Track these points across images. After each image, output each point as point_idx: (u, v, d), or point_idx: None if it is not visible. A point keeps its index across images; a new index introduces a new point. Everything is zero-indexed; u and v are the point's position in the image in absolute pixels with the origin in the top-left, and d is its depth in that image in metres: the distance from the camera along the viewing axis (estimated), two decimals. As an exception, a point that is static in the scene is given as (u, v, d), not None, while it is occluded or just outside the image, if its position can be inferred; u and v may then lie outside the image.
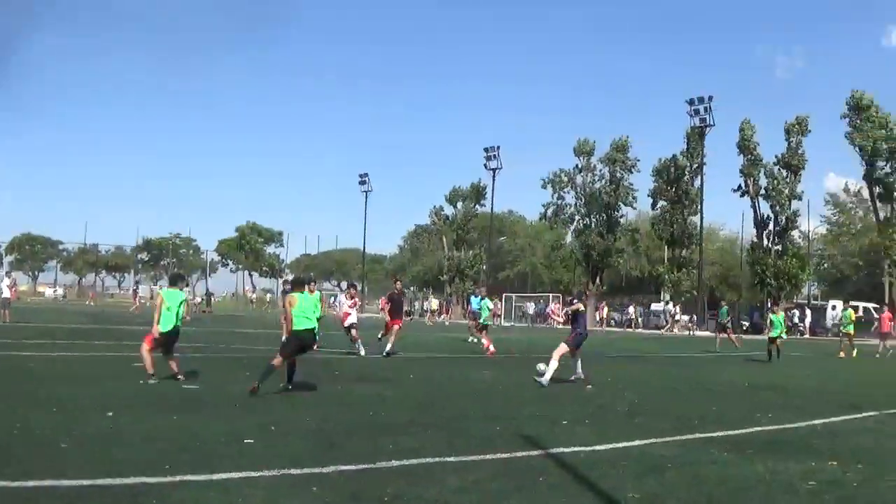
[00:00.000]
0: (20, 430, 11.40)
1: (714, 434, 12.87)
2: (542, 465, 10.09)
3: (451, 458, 10.30)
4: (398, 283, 32.27)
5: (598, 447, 11.38)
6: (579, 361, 21.00)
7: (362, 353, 27.44)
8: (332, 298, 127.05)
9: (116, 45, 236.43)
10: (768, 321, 37.73)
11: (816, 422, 14.75)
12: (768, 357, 34.39)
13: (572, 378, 20.62)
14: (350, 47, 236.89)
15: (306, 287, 18.06)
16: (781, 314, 39.55)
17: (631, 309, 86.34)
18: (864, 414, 16.15)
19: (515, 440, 11.84)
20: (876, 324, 43.94)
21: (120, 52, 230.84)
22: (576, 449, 11.14)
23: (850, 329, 39.20)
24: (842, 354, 37.46)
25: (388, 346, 27.91)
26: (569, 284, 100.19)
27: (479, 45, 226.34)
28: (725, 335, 43.48)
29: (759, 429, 13.77)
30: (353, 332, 28.21)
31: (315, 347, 18.02)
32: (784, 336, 36.84)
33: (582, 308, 21.21)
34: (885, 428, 14.28)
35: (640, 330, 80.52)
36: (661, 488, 8.99)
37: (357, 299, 29.45)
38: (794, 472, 9.97)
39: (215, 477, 8.94)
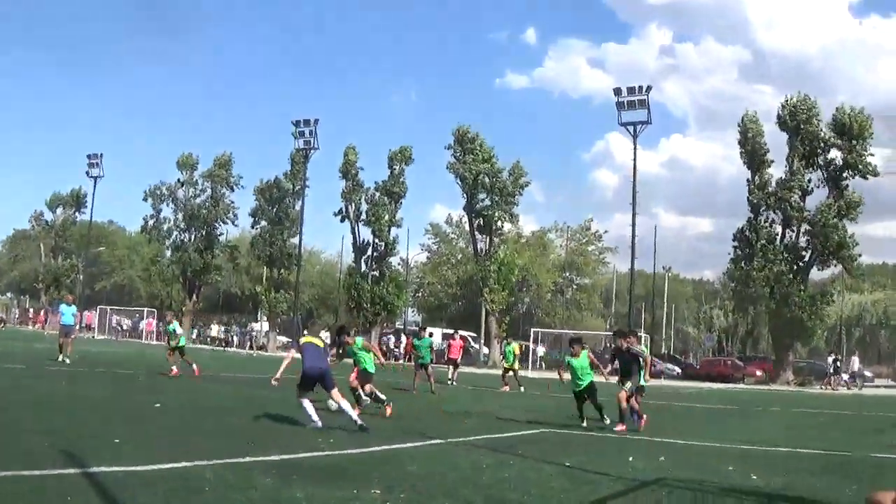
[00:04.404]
0: None
1: (267, 458, 12.61)
2: (76, 485, 9.60)
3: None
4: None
5: (141, 467, 10.96)
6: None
7: None
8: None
9: None
10: (501, 351, 37.97)
11: (376, 448, 14.72)
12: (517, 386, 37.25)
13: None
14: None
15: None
16: (514, 344, 40.54)
17: (215, 327, 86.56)
18: (429, 441, 16.29)
19: (59, 457, 11.27)
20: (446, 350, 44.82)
21: None
22: (117, 469, 10.68)
23: (514, 363, 39.65)
24: (506, 388, 37.56)
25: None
26: (166, 299, 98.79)
27: (84, 52, 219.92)
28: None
29: (316, 454, 13.63)
30: None
31: None
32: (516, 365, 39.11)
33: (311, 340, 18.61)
34: (443, 456, 14.41)
35: (234, 349, 79.98)
36: None
37: None
38: (334, 499, 9.86)
39: None
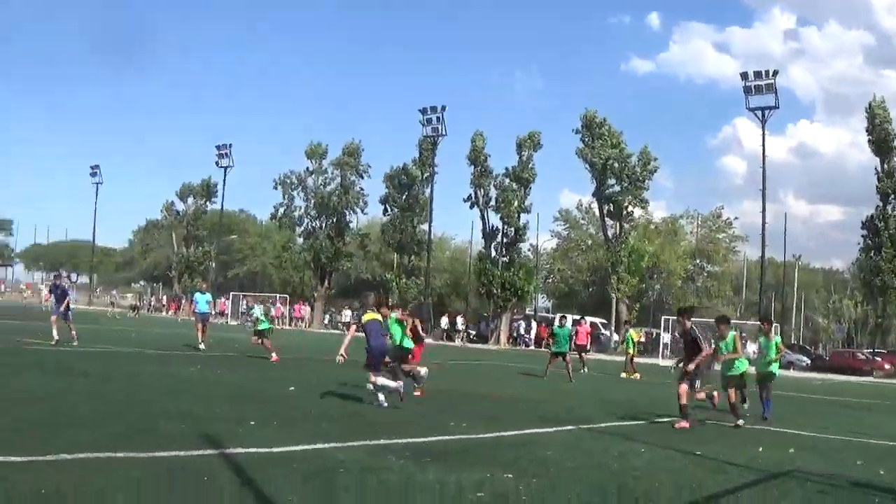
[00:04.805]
0: None
1: (401, 440, 12.81)
2: (213, 465, 9.90)
3: (121, 454, 10.00)
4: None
5: (277, 449, 11.24)
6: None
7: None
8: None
9: None
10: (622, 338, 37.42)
11: (508, 433, 14.81)
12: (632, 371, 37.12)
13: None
14: (80, 37, 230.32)
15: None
16: (632, 331, 39.96)
17: (347, 312, 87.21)
18: (561, 427, 16.27)
19: (196, 439, 11.58)
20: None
21: None
22: (253, 450, 10.97)
23: (632, 350, 39.24)
24: (637, 376, 37.37)
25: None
26: (297, 286, 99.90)
27: (212, 42, 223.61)
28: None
29: (447, 437, 13.78)
30: None
31: None
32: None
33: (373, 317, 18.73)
34: (575, 442, 14.44)
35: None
36: (323, 493, 8.93)
37: None
38: (467, 483, 9.90)
39: None
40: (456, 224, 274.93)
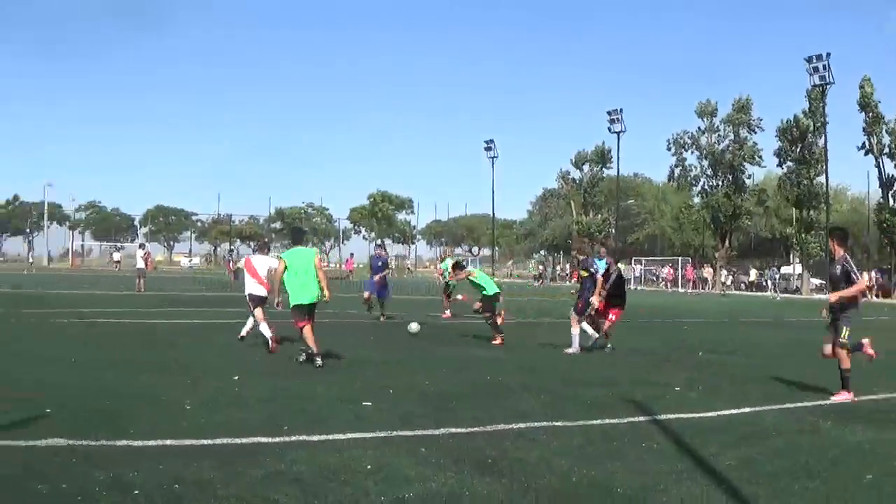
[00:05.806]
0: (148, 392, 12.12)
1: (823, 402, 12.82)
2: (647, 431, 10.25)
3: (559, 423, 10.58)
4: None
5: (706, 414, 11.54)
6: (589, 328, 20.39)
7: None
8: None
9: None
10: None
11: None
12: None
13: (604, 348, 20.38)
14: (472, 15, 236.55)
15: None
16: None
17: (753, 272, 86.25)
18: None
19: (624, 406, 12.04)
20: None
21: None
22: (683, 415, 11.29)
23: None
24: None
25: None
26: (698, 247, 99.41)
27: (599, 8, 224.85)
28: None
29: (870, 397, 13.53)
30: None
31: None
32: None
33: (591, 272, 21.19)
34: None
35: (767, 294, 78.98)
36: (759, 456, 9.03)
37: None
38: (893, 444, 9.87)
39: (329, 437, 9.41)
40: (850, 174, 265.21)
